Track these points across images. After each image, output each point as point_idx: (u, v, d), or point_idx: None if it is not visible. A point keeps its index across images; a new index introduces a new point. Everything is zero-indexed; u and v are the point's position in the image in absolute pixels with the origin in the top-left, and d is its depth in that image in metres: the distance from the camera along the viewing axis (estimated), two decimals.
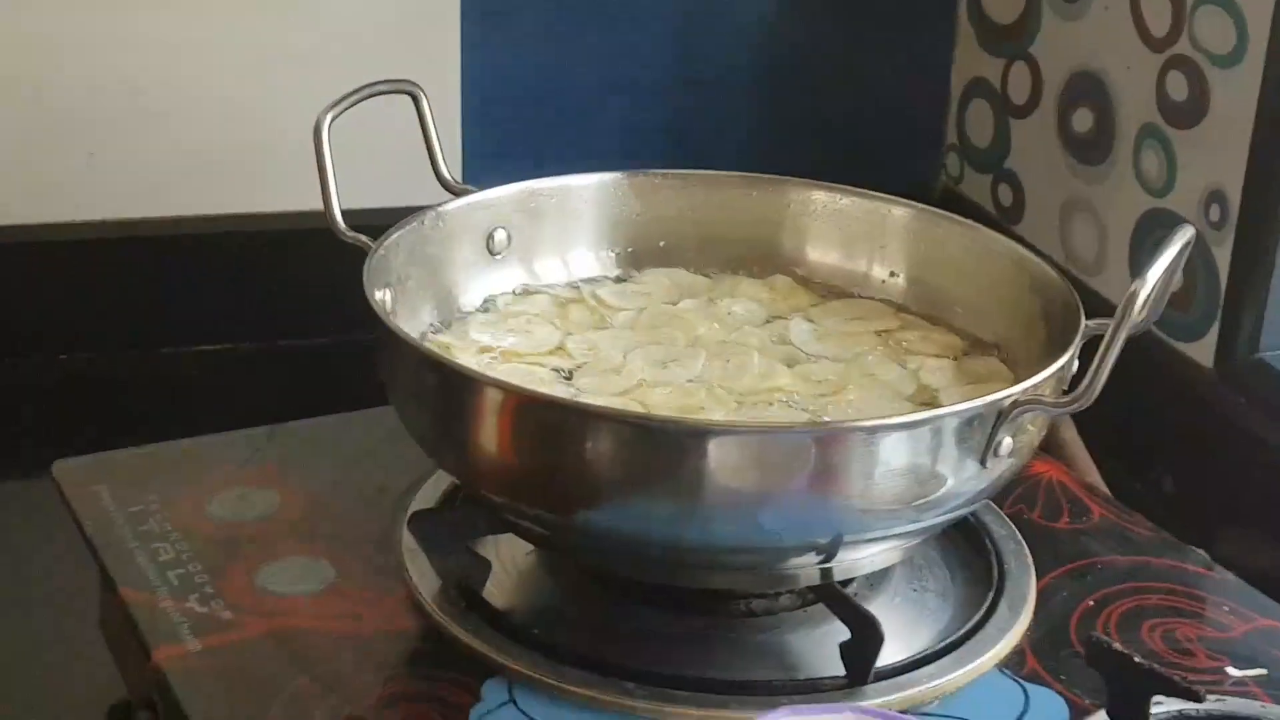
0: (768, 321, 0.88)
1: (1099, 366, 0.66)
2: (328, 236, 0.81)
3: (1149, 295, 0.65)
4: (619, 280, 0.92)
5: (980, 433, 0.68)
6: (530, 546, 0.83)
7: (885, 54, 1.45)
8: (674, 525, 0.69)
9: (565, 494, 0.71)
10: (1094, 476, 1.09)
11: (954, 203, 1.40)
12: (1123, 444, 1.18)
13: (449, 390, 0.71)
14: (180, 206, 1.34)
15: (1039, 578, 0.81)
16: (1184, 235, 0.67)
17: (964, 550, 0.84)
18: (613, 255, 0.92)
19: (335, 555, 0.82)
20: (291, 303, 1.36)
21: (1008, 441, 0.69)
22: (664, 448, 0.67)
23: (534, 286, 0.90)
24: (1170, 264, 0.66)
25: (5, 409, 1.29)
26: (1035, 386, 0.69)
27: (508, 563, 0.82)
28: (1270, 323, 1.08)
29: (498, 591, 0.79)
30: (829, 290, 0.91)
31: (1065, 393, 0.71)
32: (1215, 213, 1.09)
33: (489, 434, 0.71)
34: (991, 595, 0.80)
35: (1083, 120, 1.23)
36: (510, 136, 1.39)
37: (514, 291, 0.89)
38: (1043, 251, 1.24)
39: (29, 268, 1.31)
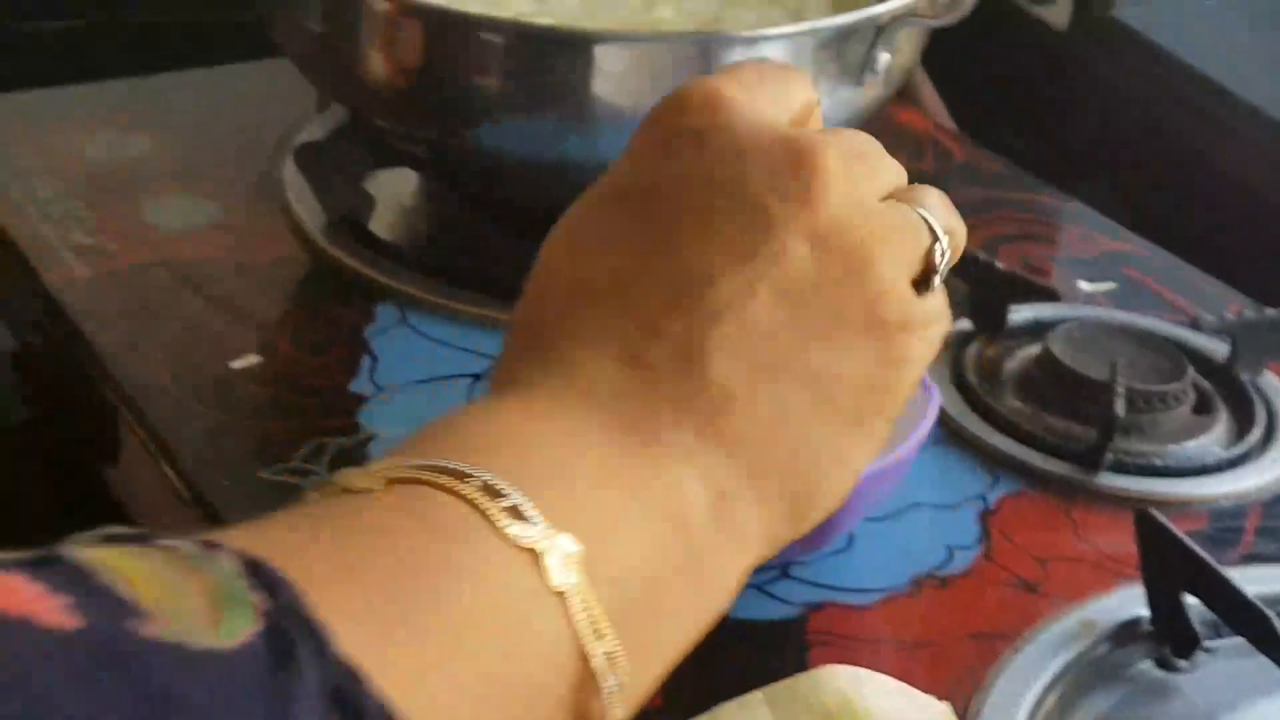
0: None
1: None
2: None
3: None
4: None
5: (859, 47, 0.70)
6: (415, 185, 0.84)
7: None
8: (557, 143, 0.70)
9: (449, 115, 0.72)
10: (945, 119, 1.13)
11: None
12: (982, 111, 1.21)
13: (335, 6, 0.71)
14: None
15: None
16: None
17: None
18: None
19: (219, 194, 0.83)
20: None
21: (884, 57, 0.71)
22: (547, 58, 0.68)
23: None
24: None
25: None
26: (912, 3, 0.71)
27: (391, 198, 0.83)
28: None
29: (384, 226, 0.81)
30: None
31: None
32: None
33: (375, 50, 0.71)
34: None
35: None
36: None
37: None
38: None
39: None
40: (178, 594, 0.27)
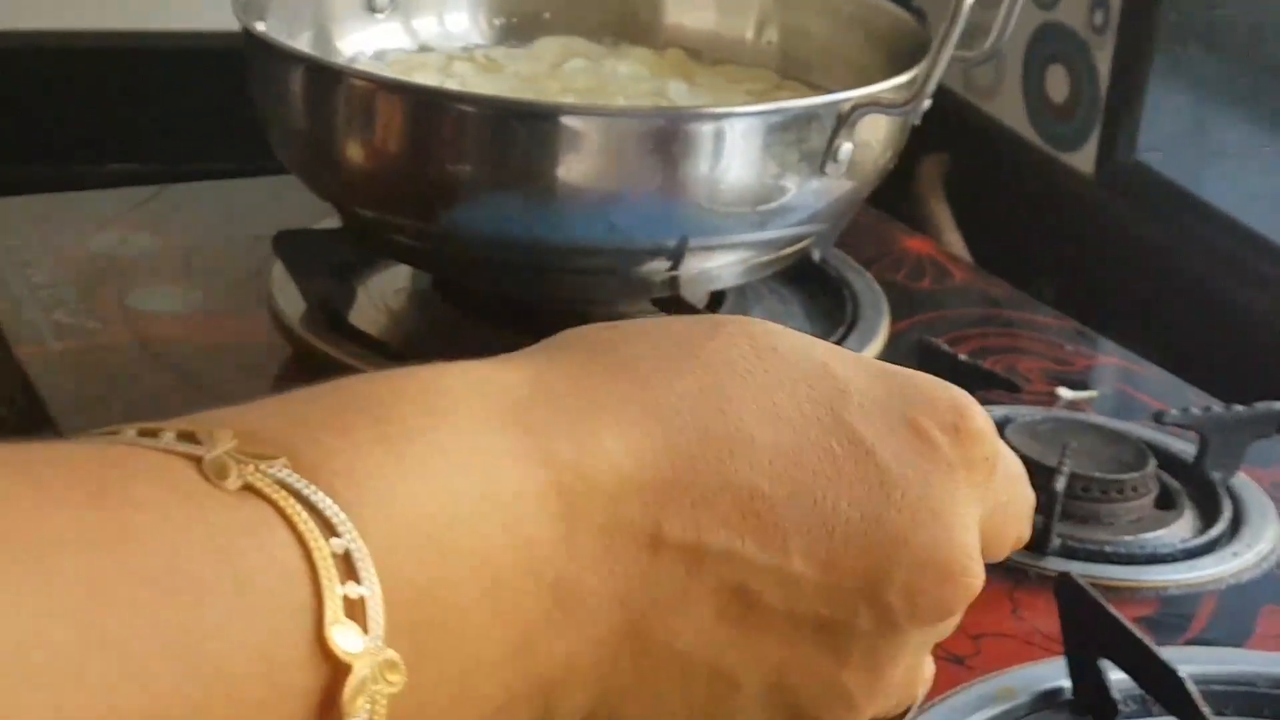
0: (651, 79, 0.90)
1: (930, 69, 0.69)
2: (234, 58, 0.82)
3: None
4: (514, 46, 0.93)
5: (820, 135, 0.70)
6: (401, 284, 0.85)
7: None
8: (527, 221, 0.71)
9: (426, 196, 0.72)
10: (960, 249, 1.12)
11: None
12: (1008, 258, 1.20)
13: (314, 87, 0.73)
14: (79, 20, 1.35)
15: (893, 323, 0.84)
16: None
17: (823, 302, 0.86)
18: (497, 25, 0.94)
19: (207, 285, 0.84)
20: (197, 125, 1.37)
21: (847, 148, 0.71)
22: (514, 130, 0.68)
23: (431, 45, 0.91)
24: None
25: None
26: (875, 92, 0.71)
27: (375, 296, 0.84)
28: (1148, 127, 1.11)
29: (365, 320, 0.81)
30: (719, 62, 0.93)
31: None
32: (1099, 17, 1.11)
33: (351, 134, 0.72)
34: (843, 331, 0.82)
35: None
36: None
37: (410, 50, 0.91)
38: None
39: None
40: None
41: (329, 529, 0.29)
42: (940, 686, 0.53)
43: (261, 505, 0.29)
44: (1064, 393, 0.77)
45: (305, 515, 0.29)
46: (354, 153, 0.73)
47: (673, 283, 0.75)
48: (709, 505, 0.34)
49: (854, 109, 0.70)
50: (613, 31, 0.95)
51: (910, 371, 0.38)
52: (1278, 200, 1.09)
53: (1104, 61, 1.11)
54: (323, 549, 0.28)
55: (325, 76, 0.73)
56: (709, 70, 0.91)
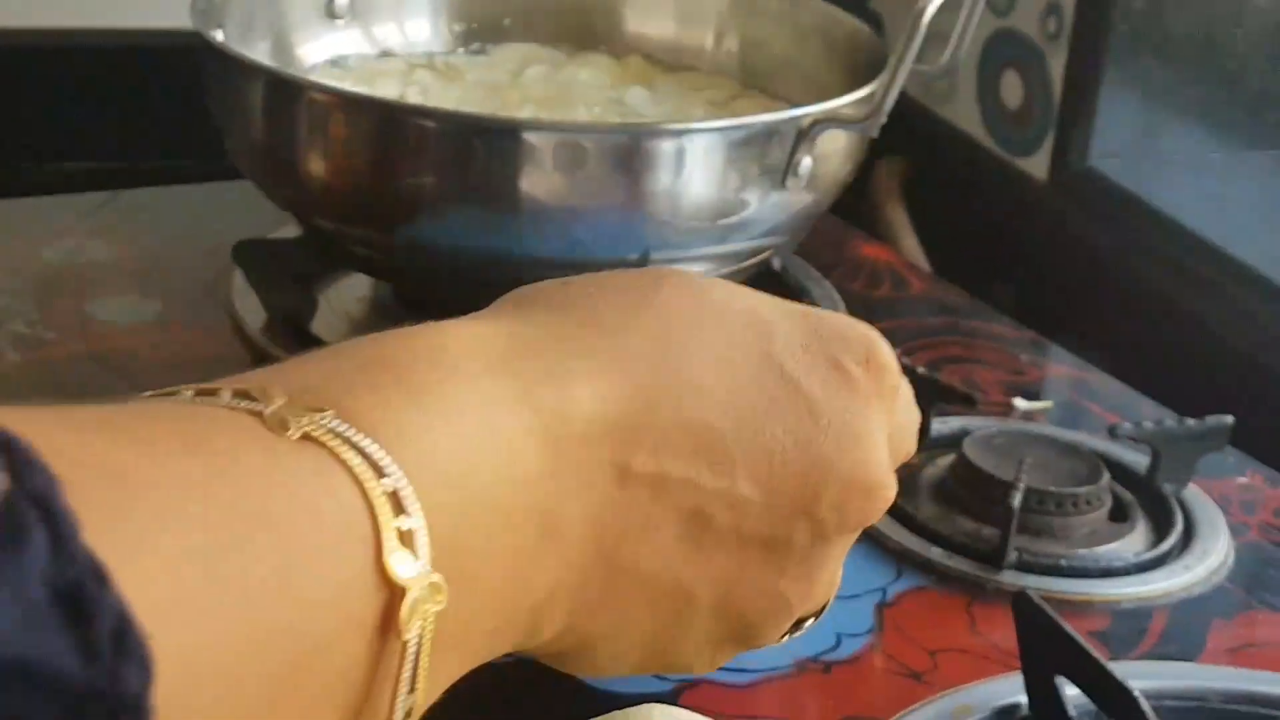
0: (611, 87, 0.90)
1: (888, 85, 0.69)
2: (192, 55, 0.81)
3: (932, 13, 0.67)
4: (475, 52, 0.93)
5: (781, 149, 0.71)
6: (362, 292, 0.85)
7: None
8: (488, 235, 0.71)
9: (386, 209, 0.72)
10: (919, 259, 1.13)
11: None
12: (963, 262, 1.21)
13: (272, 100, 0.73)
14: (38, 18, 1.34)
15: None
16: None
17: None
18: (457, 31, 0.94)
19: (166, 295, 0.84)
20: (154, 123, 1.36)
21: (807, 162, 0.71)
22: (475, 146, 0.69)
23: (392, 50, 0.91)
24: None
25: None
26: (834, 108, 0.71)
27: (337, 306, 0.84)
28: (1101, 133, 1.12)
29: (326, 330, 0.81)
30: (678, 69, 0.93)
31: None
32: (1052, 24, 1.12)
33: (311, 146, 0.72)
34: None
35: None
36: None
37: (370, 56, 0.91)
38: (892, 31, 1.28)
39: None
40: None
41: (378, 471, 0.32)
42: (898, 703, 0.54)
43: (320, 452, 0.32)
44: (1020, 403, 0.78)
45: (358, 459, 0.32)
46: (313, 165, 0.73)
47: None
48: (668, 441, 0.39)
49: (814, 124, 0.70)
50: (573, 39, 0.95)
51: (822, 311, 0.44)
52: (1228, 207, 1.10)
53: (1057, 69, 1.12)
54: (376, 488, 0.32)
55: (285, 89, 0.73)
56: (670, 77, 0.92)
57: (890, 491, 0.43)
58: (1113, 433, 0.67)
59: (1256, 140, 1.13)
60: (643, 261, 0.73)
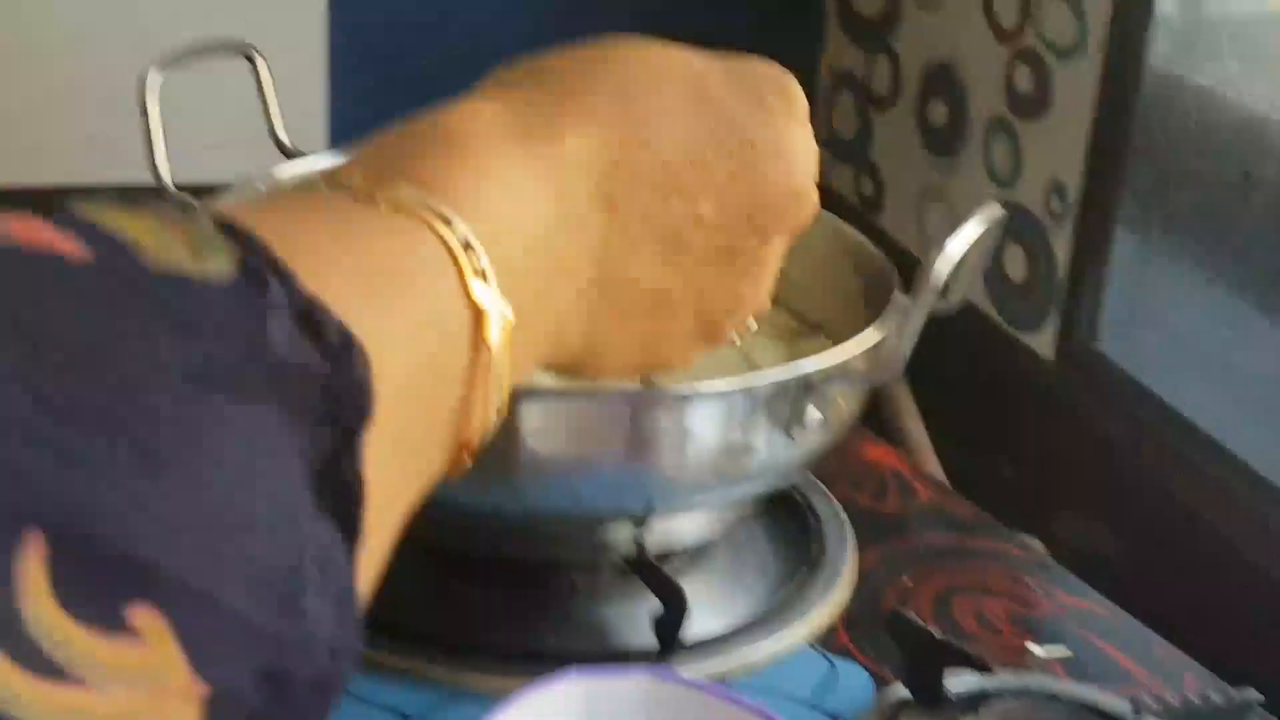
0: None
1: (900, 337, 0.67)
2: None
3: (949, 267, 0.65)
4: None
5: (787, 404, 0.68)
6: None
7: (755, 46, 1.46)
8: (486, 492, 0.69)
9: None
10: (933, 467, 1.11)
11: (820, 195, 1.41)
12: (966, 433, 1.19)
13: None
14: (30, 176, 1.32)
15: (859, 556, 0.82)
16: (990, 211, 0.68)
17: (787, 528, 0.85)
18: None
19: None
20: None
21: (814, 413, 0.69)
22: None
23: None
24: (976, 239, 0.67)
25: None
26: (843, 360, 0.69)
27: None
28: (1108, 313, 1.10)
29: None
30: None
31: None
32: (1056, 203, 1.11)
33: None
34: (808, 572, 0.80)
35: (938, 112, 1.25)
36: (383, 95, 1.37)
37: None
38: (897, 240, 1.26)
39: None
40: (166, 240, 0.32)
41: (449, 225, 0.41)
42: None
43: (407, 217, 0.41)
44: (1035, 649, 0.75)
45: (435, 219, 0.41)
46: None
47: (638, 544, 0.73)
48: (640, 177, 0.48)
49: (822, 379, 0.68)
50: None
51: (739, 55, 0.53)
52: (1238, 391, 1.08)
53: (1062, 247, 1.10)
54: (452, 237, 0.41)
55: None
56: None
57: (814, 196, 0.53)
58: (1136, 709, 0.65)
59: (1267, 313, 1.12)
60: (646, 513, 0.71)
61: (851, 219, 0.87)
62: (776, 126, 0.51)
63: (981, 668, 0.67)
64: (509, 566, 0.77)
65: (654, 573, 0.73)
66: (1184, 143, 1.09)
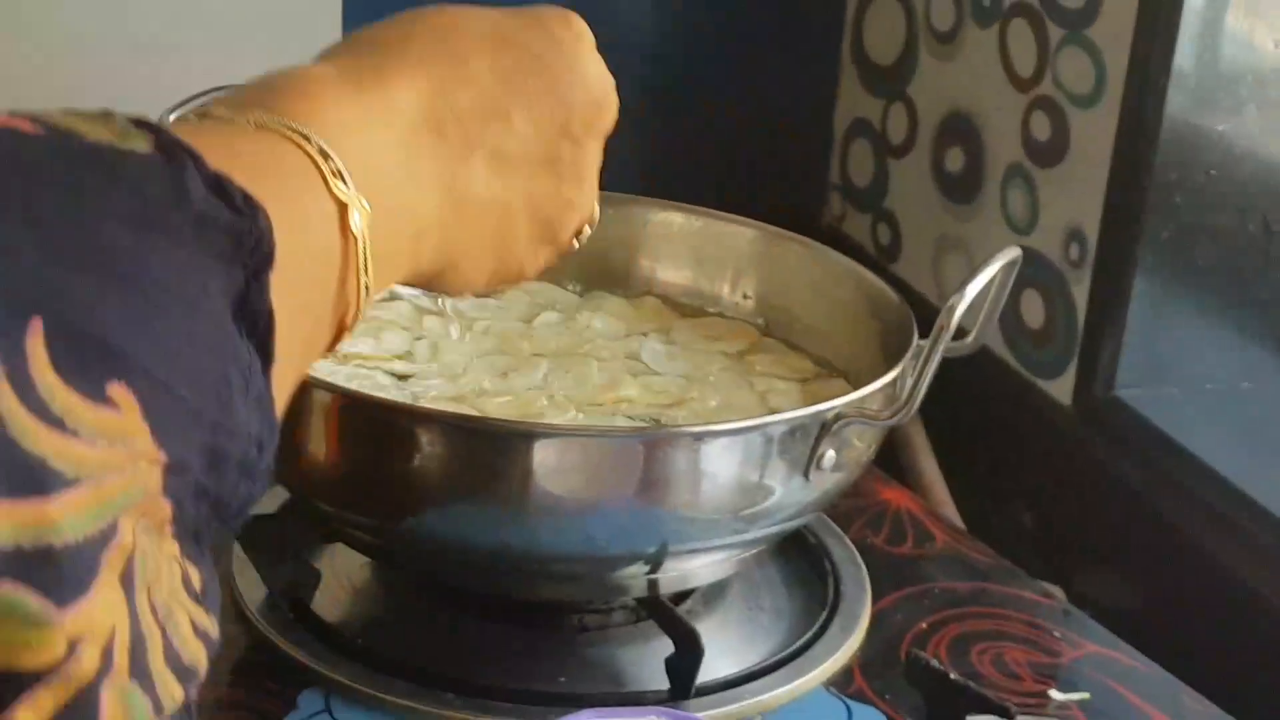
0: (626, 337, 0.88)
1: (917, 380, 0.67)
2: None
3: (964, 309, 0.65)
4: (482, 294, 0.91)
5: (803, 444, 0.68)
6: (364, 558, 0.82)
7: (771, 93, 1.45)
8: (498, 531, 0.68)
9: (391, 500, 0.70)
10: (949, 510, 1.10)
11: (837, 242, 1.40)
12: (984, 480, 1.18)
13: None
14: None
15: (876, 600, 0.81)
16: (1007, 255, 0.68)
17: (803, 571, 0.84)
18: None
19: None
20: None
21: (830, 454, 0.68)
22: (485, 450, 0.66)
23: (398, 292, 0.89)
24: (991, 282, 0.67)
25: None
26: (859, 400, 0.69)
27: (341, 574, 0.80)
28: (1127, 361, 1.09)
29: (329, 602, 0.78)
30: (696, 313, 0.91)
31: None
32: (1075, 251, 1.10)
33: (313, 437, 0.70)
34: (825, 615, 0.79)
35: (955, 160, 1.24)
36: None
37: (378, 299, 0.88)
38: (915, 288, 1.25)
39: None
40: (96, 128, 0.39)
41: (307, 139, 0.47)
42: None
43: (270, 133, 0.47)
44: (1056, 695, 0.74)
45: (295, 134, 0.47)
46: (315, 456, 0.70)
47: (652, 585, 0.72)
48: (462, 108, 0.55)
49: (838, 419, 0.68)
50: (587, 277, 0.92)
51: (529, 5, 0.60)
52: (1258, 440, 1.07)
53: (1080, 295, 1.09)
54: (310, 146, 0.47)
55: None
56: (687, 324, 0.89)
57: (613, 98, 0.60)
58: None
59: None
60: (660, 554, 0.70)
61: (869, 267, 0.87)
62: (567, 51, 0.59)
63: (1002, 713, 0.66)
64: (521, 607, 0.76)
65: (668, 614, 0.72)
66: (1203, 192, 1.08)
